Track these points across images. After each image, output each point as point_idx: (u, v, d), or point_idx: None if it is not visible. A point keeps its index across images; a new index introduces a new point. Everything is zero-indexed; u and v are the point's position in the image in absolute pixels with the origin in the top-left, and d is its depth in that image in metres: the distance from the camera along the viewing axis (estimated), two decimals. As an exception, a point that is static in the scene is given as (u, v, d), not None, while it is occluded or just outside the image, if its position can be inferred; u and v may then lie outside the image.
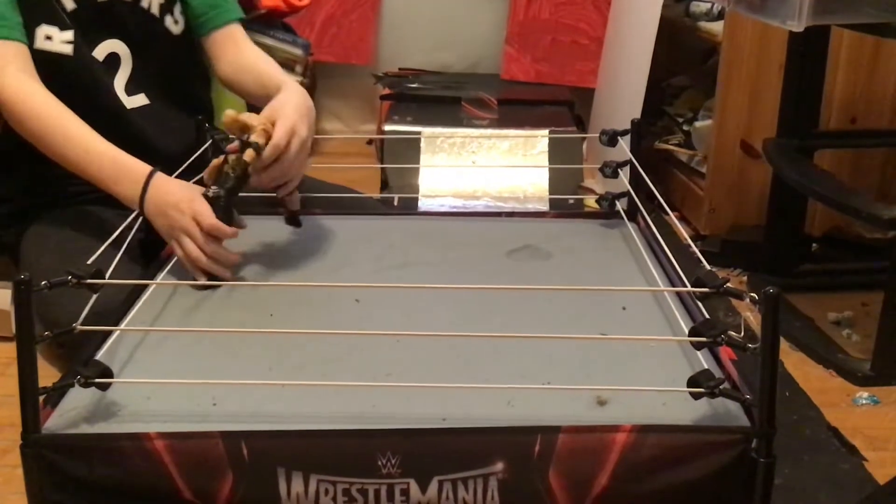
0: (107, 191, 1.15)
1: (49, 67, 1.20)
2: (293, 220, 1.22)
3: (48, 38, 1.22)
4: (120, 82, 1.29)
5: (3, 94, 1.15)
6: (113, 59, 1.29)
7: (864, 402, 1.51)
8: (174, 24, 1.34)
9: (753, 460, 0.77)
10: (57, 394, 0.82)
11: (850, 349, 1.68)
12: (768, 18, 1.49)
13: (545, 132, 2.41)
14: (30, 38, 1.20)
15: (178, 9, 1.34)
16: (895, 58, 2.11)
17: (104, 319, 0.92)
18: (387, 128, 2.40)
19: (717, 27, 2.29)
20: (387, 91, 2.70)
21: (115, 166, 1.14)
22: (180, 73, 1.37)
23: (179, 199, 1.10)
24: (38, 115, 1.16)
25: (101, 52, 1.27)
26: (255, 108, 1.26)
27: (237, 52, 1.36)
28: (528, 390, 0.86)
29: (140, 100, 1.31)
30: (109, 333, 0.93)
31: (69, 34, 1.23)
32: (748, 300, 0.81)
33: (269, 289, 1.10)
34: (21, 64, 1.17)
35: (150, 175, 1.12)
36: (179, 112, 1.33)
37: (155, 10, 1.32)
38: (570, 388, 0.86)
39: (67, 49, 1.23)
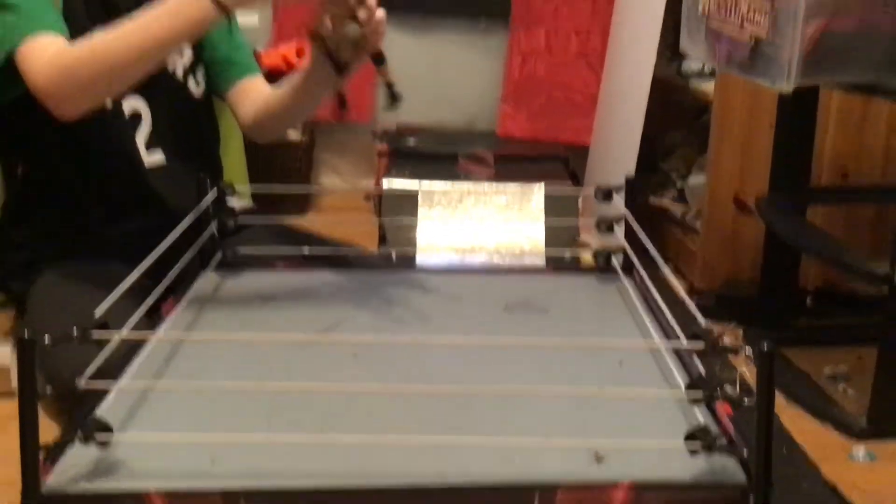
0: (190, 26, 1.10)
1: (91, 118, 1.20)
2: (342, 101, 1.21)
3: None
4: (140, 139, 1.32)
5: (48, 70, 1.11)
6: (135, 117, 1.32)
7: (860, 457, 1.51)
8: (196, 86, 1.38)
9: (751, 516, 0.77)
10: (57, 451, 0.82)
11: (846, 404, 1.68)
12: (758, 79, 1.52)
13: (541, 185, 2.44)
14: None
15: (200, 72, 1.39)
16: (885, 114, 2.15)
17: (106, 374, 0.93)
18: (385, 184, 2.43)
19: (708, 86, 2.34)
20: (385, 147, 2.74)
21: (173, 7, 1.10)
22: (197, 133, 1.41)
23: None
24: (84, 52, 1.11)
25: (126, 108, 1.31)
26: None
27: (257, 96, 1.40)
28: (526, 446, 0.86)
29: (158, 158, 1.34)
30: (110, 388, 0.93)
31: None
32: (744, 355, 0.82)
33: (269, 343, 1.10)
34: (58, 46, 1.14)
35: None
36: (193, 171, 1.36)
37: (179, 74, 1.36)
38: (568, 443, 0.86)
39: (108, 102, 1.26)
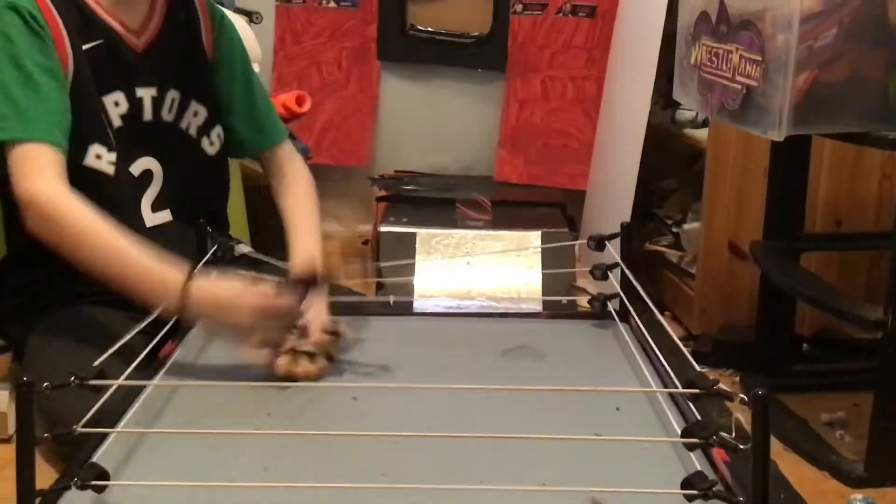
0: (141, 302, 1.13)
1: (89, 184, 1.21)
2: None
3: (98, 157, 1.24)
4: (147, 199, 1.31)
5: (37, 198, 1.13)
6: (146, 176, 1.31)
7: (859, 504, 1.50)
8: (209, 145, 1.38)
9: (748, 563, 0.77)
10: (53, 496, 0.82)
11: (844, 450, 1.67)
12: (749, 128, 1.54)
13: (538, 234, 2.46)
14: (81, 155, 1.22)
15: (215, 131, 1.38)
16: (878, 161, 2.18)
17: (104, 419, 0.93)
18: (382, 229, 2.44)
19: (702, 134, 2.36)
20: (383, 193, 2.76)
21: (152, 284, 1.12)
22: (207, 192, 1.41)
23: (231, 301, 1.10)
24: (73, 220, 1.14)
25: (136, 168, 1.29)
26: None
27: (281, 176, 1.43)
28: (524, 492, 0.86)
29: (164, 216, 1.33)
30: (107, 433, 0.93)
31: (114, 156, 1.25)
32: (739, 401, 0.82)
33: (266, 388, 1.10)
34: (59, 171, 1.16)
35: (186, 288, 1.10)
36: (196, 227, 1.36)
37: (193, 132, 1.36)
38: (565, 489, 0.86)
39: (110, 170, 1.25)
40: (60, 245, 1.15)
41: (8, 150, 1.16)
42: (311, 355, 1.13)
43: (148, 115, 1.30)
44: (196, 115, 1.35)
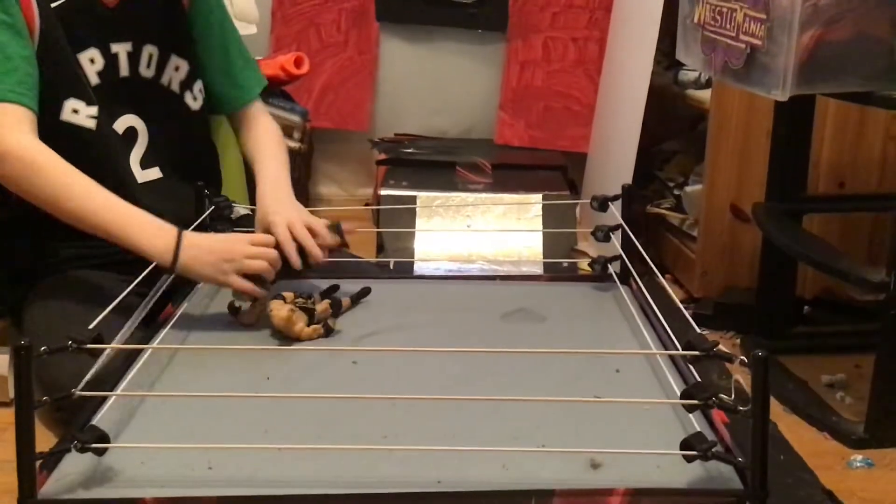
0: (131, 248, 1.15)
1: (70, 140, 1.22)
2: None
3: (75, 111, 1.24)
4: (135, 156, 1.31)
5: (12, 152, 1.14)
6: (131, 133, 1.31)
7: (858, 464, 1.51)
8: (193, 100, 1.37)
9: (747, 523, 0.77)
10: (53, 459, 0.82)
11: (844, 412, 1.68)
12: (753, 88, 1.53)
13: (539, 196, 2.45)
14: (56, 110, 1.22)
15: (197, 86, 1.38)
16: (881, 124, 2.16)
17: (102, 383, 0.93)
18: (383, 192, 2.43)
19: (705, 95, 2.34)
20: (383, 156, 2.75)
21: (140, 220, 1.15)
22: (194, 147, 1.41)
23: (221, 242, 1.15)
24: (54, 174, 1.15)
25: (120, 125, 1.30)
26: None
27: (250, 134, 1.42)
28: (523, 453, 0.86)
29: (154, 173, 1.33)
30: (106, 397, 0.93)
31: (94, 109, 1.25)
32: (739, 363, 0.82)
33: (265, 352, 1.10)
34: (30, 126, 1.18)
35: (180, 234, 1.14)
36: (190, 184, 1.36)
37: (175, 87, 1.35)
38: (565, 450, 0.86)
39: (91, 124, 1.25)
40: (40, 197, 1.16)
41: None
42: (309, 314, 1.13)
43: (125, 71, 1.29)
44: (177, 69, 1.35)
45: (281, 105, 2.54)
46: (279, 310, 1.11)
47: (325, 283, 1.25)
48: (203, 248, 1.15)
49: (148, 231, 1.15)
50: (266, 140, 1.42)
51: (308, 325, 1.12)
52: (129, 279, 1.11)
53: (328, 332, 1.14)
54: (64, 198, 1.15)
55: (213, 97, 1.41)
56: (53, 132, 1.20)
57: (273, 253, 1.17)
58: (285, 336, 1.12)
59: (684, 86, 2.54)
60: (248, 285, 1.14)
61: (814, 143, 1.97)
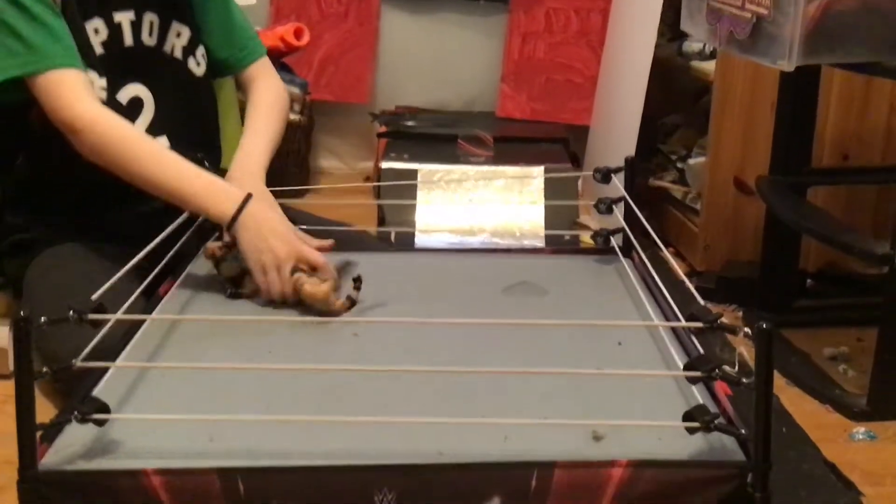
0: (197, 209, 1.17)
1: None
2: None
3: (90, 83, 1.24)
4: (141, 126, 1.31)
5: (83, 119, 1.17)
6: (135, 104, 1.31)
7: (860, 437, 1.51)
8: (196, 66, 1.37)
9: (749, 495, 0.77)
10: (54, 430, 0.82)
11: (846, 385, 1.67)
12: (759, 58, 1.51)
13: (541, 170, 2.43)
14: None
15: (200, 51, 1.37)
16: (887, 95, 2.14)
17: (102, 354, 0.93)
18: (384, 165, 2.42)
19: (709, 66, 2.32)
20: (384, 129, 2.73)
21: (211, 186, 1.17)
22: (200, 114, 1.40)
23: (283, 233, 1.14)
24: (124, 139, 1.18)
25: (124, 96, 1.29)
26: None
27: (251, 95, 1.41)
28: (525, 425, 0.86)
29: (162, 143, 1.33)
30: (107, 368, 0.93)
31: (104, 81, 1.25)
32: (742, 335, 0.81)
33: (267, 324, 1.10)
34: (88, 89, 1.20)
35: (248, 197, 1.15)
36: (196, 153, 1.35)
37: (178, 54, 1.35)
38: (567, 423, 0.86)
39: (102, 95, 1.25)
40: (115, 162, 1.18)
41: (31, 84, 1.16)
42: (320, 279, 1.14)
43: (128, 40, 1.28)
44: (179, 35, 1.34)
45: (280, 77, 2.52)
46: (316, 286, 1.11)
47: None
48: (266, 226, 1.15)
49: (218, 194, 1.16)
50: (257, 106, 1.40)
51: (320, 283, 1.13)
52: (133, 252, 1.10)
53: (352, 304, 1.13)
54: (132, 166, 1.18)
55: (216, 61, 1.40)
56: None
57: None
58: (291, 308, 1.12)
59: (688, 57, 2.51)
60: (258, 283, 1.14)
61: (818, 116, 1.95)
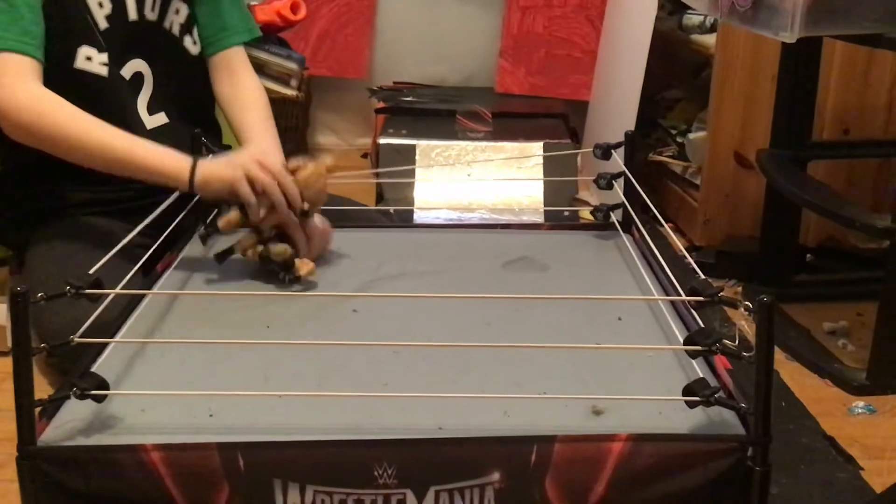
0: (149, 173, 1.16)
1: (85, 87, 1.22)
2: None
3: (88, 58, 1.24)
4: (142, 102, 1.31)
5: (19, 103, 1.14)
6: (137, 79, 1.31)
7: (860, 411, 1.51)
8: (192, 44, 1.36)
9: (749, 469, 0.77)
10: (53, 406, 0.82)
11: (846, 359, 1.68)
12: (761, 30, 1.50)
13: (539, 145, 2.42)
14: (70, 58, 1.22)
15: (196, 30, 1.36)
16: (887, 68, 2.13)
17: (101, 330, 0.92)
18: (382, 141, 2.41)
19: (709, 40, 2.31)
20: (382, 105, 2.71)
21: (162, 154, 1.16)
22: (196, 93, 1.39)
23: (235, 162, 1.14)
24: (62, 118, 1.15)
25: (127, 71, 1.29)
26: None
27: (232, 80, 1.39)
28: (525, 400, 0.86)
29: (160, 119, 1.33)
30: (106, 344, 0.93)
31: (105, 56, 1.25)
32: (743, 309, 0.81)
33: (265, 299, 1.10)
34: (35, 76, 1.17)
35: (195, 161, 1.15)
36: (195, 130, 1.34)
37: (176, 31, 1.34)
38: (566, 397, 0.86)
39: (103, 71, 1.25)
40: (50, 143, 1.16)
41: None
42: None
43: (133, 14, 1.28)
44: (178, 12, 1.33)
45: (277, 52, 2.50)
46: (281, 249, 1.11)
47: None
48: (218, 162, 1.16)
49: (164, 155, 1.16)
50: (255, 101, 1.38)
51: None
52: (134, 226, 1.10)
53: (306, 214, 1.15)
54: (75, 140, 1.15)
55: (201, 40, 1.38)
56: (67, 81, 1.20)
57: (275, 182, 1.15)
58: (290, 285, 1.12)
59: (688, 31, 2.50)
60: (250, 196, 1.13)
61: (819, 89, 1.94)
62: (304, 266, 1.12)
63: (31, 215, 1.31)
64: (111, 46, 1.26)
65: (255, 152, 1.19)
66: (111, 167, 1.17)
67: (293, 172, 1.16)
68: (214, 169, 1.15)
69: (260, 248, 1.14)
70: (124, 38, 1.27)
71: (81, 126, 1.16)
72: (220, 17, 1.39)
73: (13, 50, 1.15)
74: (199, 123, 1.35)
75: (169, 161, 1.15)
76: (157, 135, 1.30)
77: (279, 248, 1.12)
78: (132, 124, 1.27)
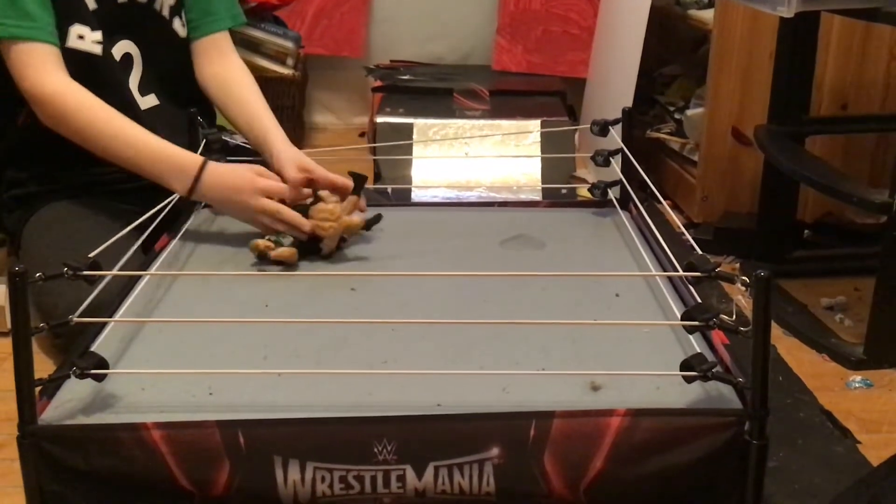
0: (159, 183, 1.17)
1: (79, 66, 1.23)
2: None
3: (80, 37, 1.24)
4: (133, 82, 1.31)
5: (45, 91, 1.17)
6: (127, 60, 1.31)
7: (857, 385, 1.52)
8: (181, 27, 1.36)
9: (747, 443, 0.78)
10: (53, 385, 0.82)
11: (843, 334, 1.68)
12: (758, 5, 1.49)
13: (537, 123, 2.41)
14: (62, 37, 1.22)
15: (184, 14, 1.36)
16: (885, 43, 2.12)
17: (100, 310, 0.93)
18: (379, 120, 2.40)
19: (707, 15, 2.29)
20: (378, 83, 2.70)
21: (168, 161, 1.17)
22: (186, 75, 1.39)
23: (241, 186, 1.14)
24: (84, 111, 1.18)
25: (117, 51, 1.29)
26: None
27: (221, 64, 1.38)
28: (523, 376, 0.86)
29: (151, 100, 1.33)
30: (105, 323, 0.93)
31: (98, 34, 1.25)
32: (740, 284, 0.81)
33: (264, 278, 1.10)
34: (58, 63, 1.19)
35: (201, 168, 1.15)
36: (186, 112, 1.34)
37: (165, 12, 1.33)
38: (565, 373, 0.86)
39: (97, 49, 1.25)
40: (75, 134, 1.19)
41: (5, 47, 1.16)
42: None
43: None
44: None
45: (273, 30, 2.49)
46: (282, 250, 1.13)
47: None
48: (226, 192, 1.17)
49: (173, 171, 1.17)
50: (254, 93, 1.38)
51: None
52: (131, 208, 1.10)
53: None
54: (97, 137, 1.18)
55: (188, 23, 1.38)
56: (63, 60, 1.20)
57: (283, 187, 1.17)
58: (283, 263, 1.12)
59: (686, 6, 2.48)
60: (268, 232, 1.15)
61: (817, 64, 1.93)
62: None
63: (27, 199, 1.31)
64: (101, 26, 1.25)
65: (260, 183, 1.17)
66: (126, 167, 1.19)
67: (318, 199, 1.17)
68: (221, 202, 1.19)
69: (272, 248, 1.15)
70: (113, 18, 1.27)
71: (100, 123, 1.18)
72: (207, 1, 1.38)
73: (35, 39, 1.17)
74: (194, 103, 1.35)
75: (172, 178, 1.17)
76: (150, 116, 1.30)
77: (286, 252, 1.12)
78: (128, 104, 1.28)
